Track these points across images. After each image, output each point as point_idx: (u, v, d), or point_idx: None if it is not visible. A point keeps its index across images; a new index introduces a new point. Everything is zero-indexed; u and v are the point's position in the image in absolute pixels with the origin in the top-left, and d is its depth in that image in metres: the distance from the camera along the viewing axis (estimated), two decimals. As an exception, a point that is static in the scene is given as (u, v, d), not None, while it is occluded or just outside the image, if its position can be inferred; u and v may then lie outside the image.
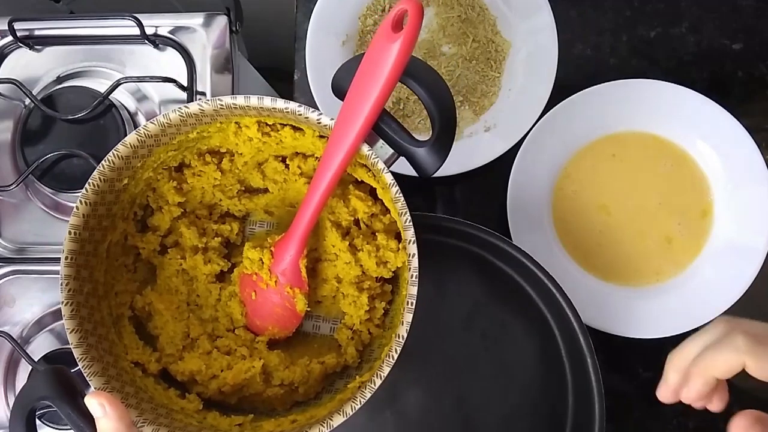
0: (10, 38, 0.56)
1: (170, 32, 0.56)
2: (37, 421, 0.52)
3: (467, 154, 0.53)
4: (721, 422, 0.55)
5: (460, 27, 0.56)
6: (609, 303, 0.53)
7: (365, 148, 0.36)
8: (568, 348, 0.48)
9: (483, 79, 0.56)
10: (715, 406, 0.37)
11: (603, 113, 0.53)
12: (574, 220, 0.54)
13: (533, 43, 0.55)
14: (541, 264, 0.47)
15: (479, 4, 0.56)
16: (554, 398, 0.48)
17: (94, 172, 0.37)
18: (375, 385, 0.34)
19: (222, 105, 0.37)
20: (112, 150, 0.37)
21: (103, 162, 0.37)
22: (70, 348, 0.54)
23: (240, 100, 0.37)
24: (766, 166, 0.51)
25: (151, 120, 0.37)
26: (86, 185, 0.37)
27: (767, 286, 0.51)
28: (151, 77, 0.54)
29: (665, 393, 0.36)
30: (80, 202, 0.37)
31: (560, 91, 0.52)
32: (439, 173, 0.52)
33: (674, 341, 0.54)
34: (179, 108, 0.37)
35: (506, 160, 0.53)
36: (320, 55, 0.55)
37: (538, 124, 0.52)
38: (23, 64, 0.57)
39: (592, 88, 0.52)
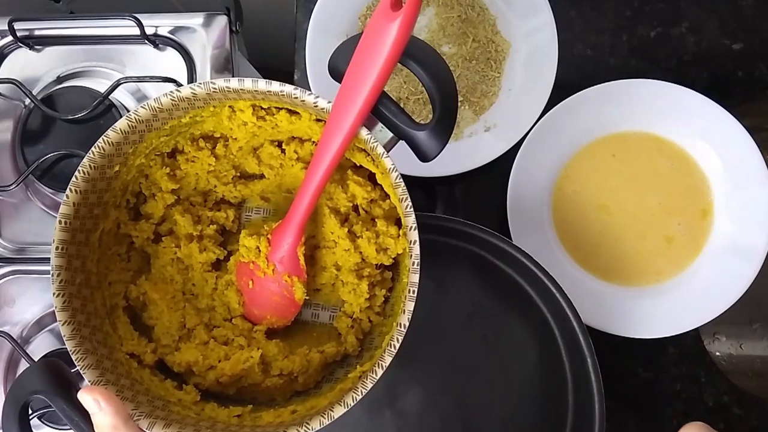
0: (10, 38, 0.56)
1: (170, 32, 0.56)
2: (37, 421, 0.52)
3: (467, 154, 0.53)
4: (720, 423, 0.56)
5: (460, 27, 0.56)
6: (609, 303, 0.53)
7: (364, 132, 0.35)
8: (568, 348, 0.48)
9: (483, 79, 0.56)
10: None
11: (603, 113, 0.53)
12: (574, 220, 0.54)
13: (533, 43, 0.55)
14: (541, 264, 0.47)
15: (479, 4, 0.56)
16: (554, 398, 0.48)
17: (84, 159, 0.36)
18: (377, 375, 0.33)
19: (215, 88, 0.36)
20: (102, 136, 0.36)
21: (93, 148, 0.36)
22: (70, 348, 0.54)
23: (234, 83, 0.36)
24: (766, 166, 0.51)
25: (142, 105, 0.37)
26: (76, 172, 0.36)
27: (767, 286, 0.51)
28: (151, 77, 0.54)
29: None
30: (70, 190, 0.36)
31: (560, 91, 0.52)
32: (439, 173, 0.53)
33: (674, 341, 0.55)
34: (170, 92, 0.36)
35: (506, 160, 0.53)
36: (320, 55, 0.55)
37: (538, 124, 0.52)
38: (23, 64, 0.57)
39: (592, 88, 0.52)
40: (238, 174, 0.45)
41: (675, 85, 0.52)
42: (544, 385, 0.48)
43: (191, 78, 0.55)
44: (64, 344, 0.54)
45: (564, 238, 0.54)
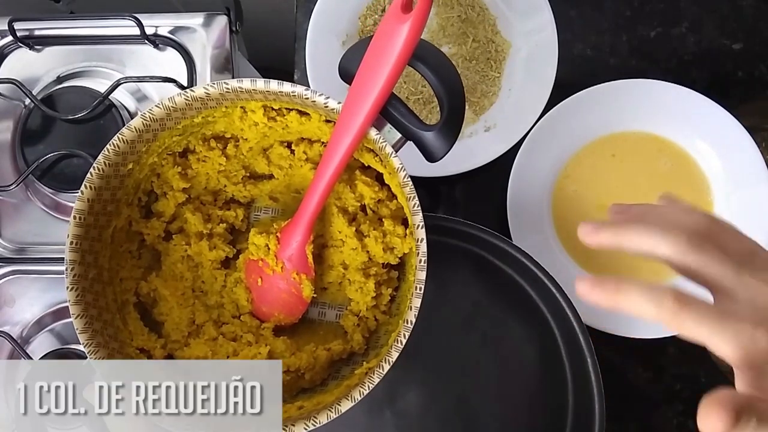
0: (10, 38, 0.56)
1: (170, 32, 0.56)
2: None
3: (467, 154, 0.53)
4: (721, 422, 0.55)
5: (460, 27, 0.56)
6: (609, 303, 0.53)
7: (373, 132, 0.36)
8: (568, 348, 0.48)
9: (483, 79, 0.56)
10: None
11: (603, 113, 0.53)
12: (574, 220, 0.54)
13: (533, 43, 0.55)
14: (541, 264, 0.47)
15: (479, 4, 0.56)
16: (554, 398, 0.48)
17: (99, 156, 0.37)
18: (383, 370, 0.34)
19: (228, 89, 0.37)
20: (117, 134, 0.37)
21: (108, 146, 0.37)
22: (70, 348, 0.54)
23: (246, 83, 0.36)
24: (766, 166, 0.51)
25: (157, 104, 0.37)
26: (91, 170, 0.37)
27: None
28: (151, 77, 0.54)
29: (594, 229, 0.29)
30: (85, 186, 0.37)
31: (560, 91, 0.52)
32: (439, 173, 0.53)
33: (674, 341, 0.55)
34: (184, 92, 0.37)
35: (506, 160, 0.53)
36: (320, 55, 0.55)
37: (538, 124, 0.52)
38: (23, 64, 0.57)
39: (592, 88, 0.52)
40: (248, 174, 0.45)
41: (675, 85, 0.52)
42: (544, 386, 0.48)
43: (191, 78, 0.56)
44: (64, 344, 0.55)
45: (564, 238, 0.54)
